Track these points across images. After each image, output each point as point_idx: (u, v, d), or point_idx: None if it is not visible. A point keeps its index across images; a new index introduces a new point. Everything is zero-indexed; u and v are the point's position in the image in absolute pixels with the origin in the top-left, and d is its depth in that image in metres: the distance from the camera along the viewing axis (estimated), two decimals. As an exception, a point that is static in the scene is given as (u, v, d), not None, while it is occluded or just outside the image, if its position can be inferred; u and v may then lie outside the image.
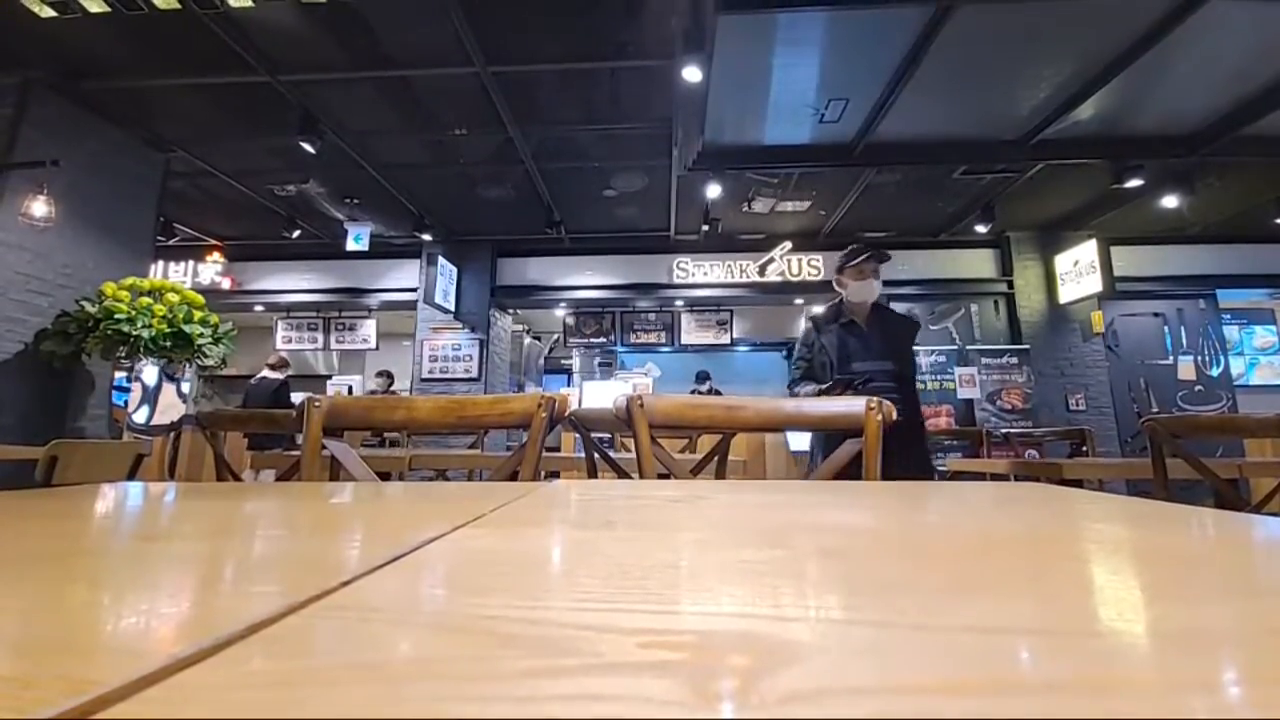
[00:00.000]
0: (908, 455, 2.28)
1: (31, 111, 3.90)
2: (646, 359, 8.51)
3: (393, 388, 6.99)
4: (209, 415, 2.48)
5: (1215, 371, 6.62)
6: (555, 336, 9.08)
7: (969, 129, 4.54)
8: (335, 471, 2.67)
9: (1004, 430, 4.99)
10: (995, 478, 3.24)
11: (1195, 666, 0.20)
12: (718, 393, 7.36)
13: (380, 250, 6.89)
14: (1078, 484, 2.14)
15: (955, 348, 6.62)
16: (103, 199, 4.34)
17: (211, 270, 7.21)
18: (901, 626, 0.24)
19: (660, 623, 0.25)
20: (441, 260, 6.75)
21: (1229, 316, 7.31)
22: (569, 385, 8.92)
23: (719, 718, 0.16)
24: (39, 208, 3.74)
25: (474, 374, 7.02)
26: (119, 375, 4.46)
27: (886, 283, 2.89)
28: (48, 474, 1.88)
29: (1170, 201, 5.54)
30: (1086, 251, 6.21)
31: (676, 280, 7.19)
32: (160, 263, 6.80)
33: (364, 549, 0.45)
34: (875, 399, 1.29)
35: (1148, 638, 0.24)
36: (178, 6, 3.38)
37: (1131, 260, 6.67)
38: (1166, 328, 6.74)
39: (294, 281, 7.47)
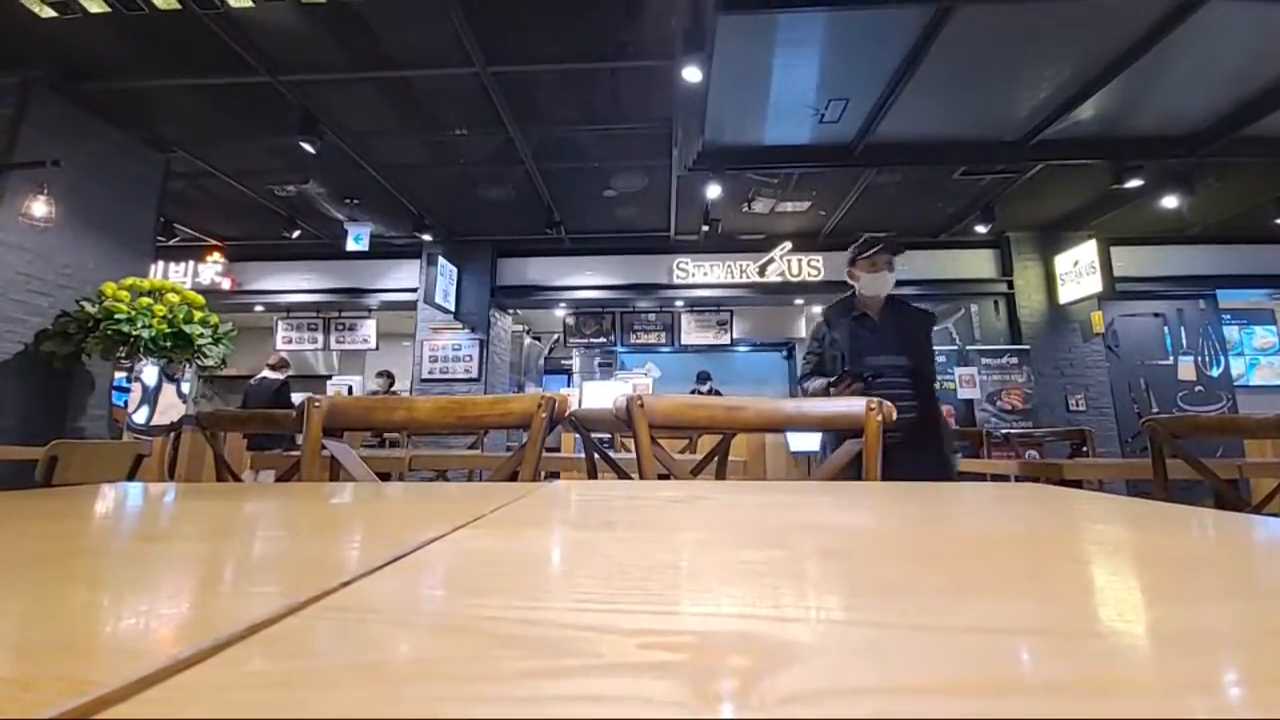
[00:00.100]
0: (922, 456, 2.21)
1: (32, 112, 3.90)
2: (646, 359, 8.52)
3: (393, 388, 6.99)
4: (209, 416, 2.48)
5: (1215, 372, 6.62)
6: (555, 337, 9.08)
7: (969, 129, 4.55)
8: (335, 472, 2.68)
9: (1004, 431, 4.99)
10: (996, 478, 3.24)
11: (1195, 667, 0.20)
12: (718, 393, 7.36)
13: (380, 250, 6.90)
14: (1078, 484, 2.14)
15: (955, 348, 6.62)
16: (103, 199, 4.34)
17: (211, 270, 7.21)
18: (901, 627, 0.24)
19: (660, 623, 0.25)
20: (441, 260, 6.76)
21: (1229, 317, 7.32)
22: (569, 385, 8.93)
23: (719, 718, 0.16)
24: (39, 208, 3.75)
25: (474, 374, 7.02)
26: (119, 375, 4.46)
27: (887, 283, 2.88)
28: (48, 474, 1.89)
29: (1170, 202, 5.54)
30: (1086, 252, 6.21)
31: (676, 280, 7.19)
32: (160, 263, 6.80)
33: (364, 550, 0.45)
34: (876, 399, 1.28)
35: (1148, 639, 0.24)
36: (178, 7, 3.38)
37: (1131, 260, 6.67)
38: (1166, 328, 6.74)
39: (294, 282, 7.48)
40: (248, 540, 0.51)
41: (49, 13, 3.43)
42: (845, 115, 4.28)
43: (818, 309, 8.18)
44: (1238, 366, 7.27)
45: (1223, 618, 0.27)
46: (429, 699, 0.17)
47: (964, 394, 6.19)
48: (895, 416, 2.11)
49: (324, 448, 1.28)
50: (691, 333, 7.47)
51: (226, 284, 7.32)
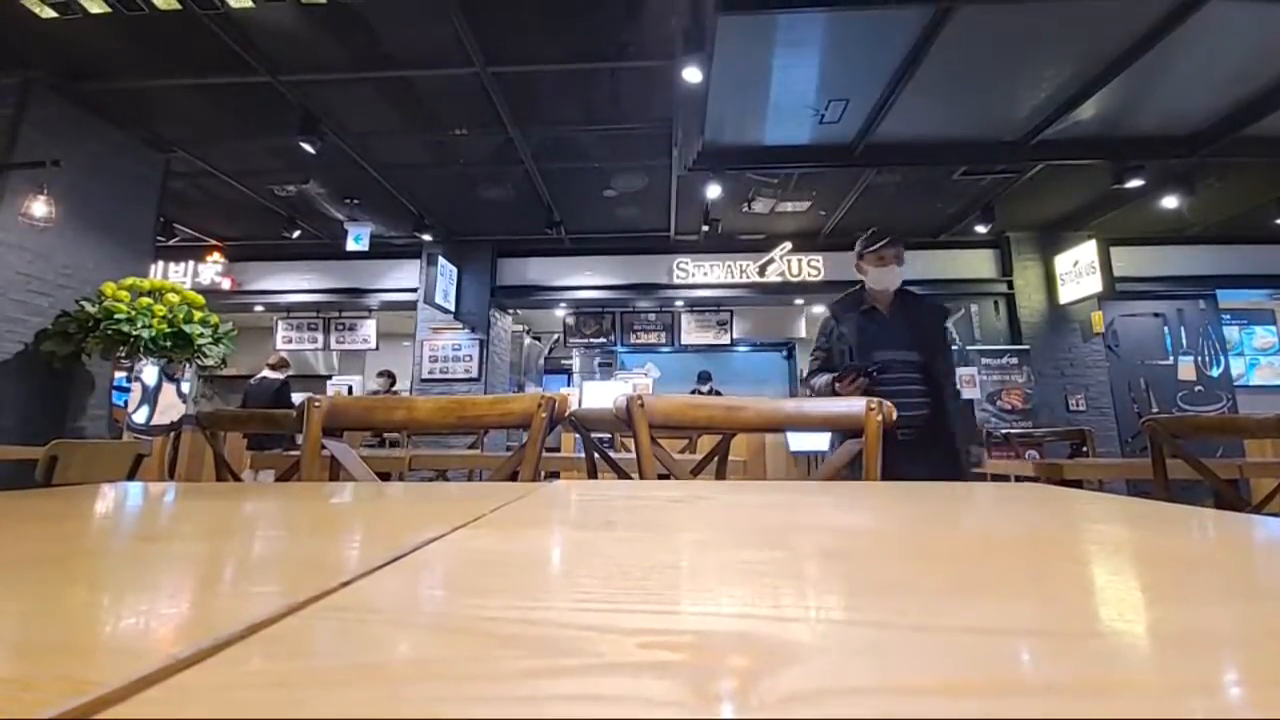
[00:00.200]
0: (934, 455, 2.14)
1: (32, 112, 3.90)
2: (646, 359, 8.52)
3: (394, 388, 6.99)
4: (209, 415, 2.48)
5: (1215, 372, 6.62)
6: (555, 337, 9.08)
7: (969, 130, 4.55)
8: (335, 472, 2.68)
9: (1004, 431, 4.98)
10: (996, 478, 3.24)
11: (1195, 668, 0.20)
12: (718, 393, 7.36)
13: (380, 250, 6.90)
14: (1078, 484, 2.14)
15: (955, 348, 6.62)
16: (103, 199, 4.34)
17: (211, 270, 7.21)
18: (901, 627, 0.24)
19: (660, 623, 0.25)
20: (441, 260, 6.76)
21: (1229, 317, 7.32)
22: (569, 385, 8.92)
23: (719, 718, 0.16)
24: (39, 208, 3.75)
25: (474, 374, 7.02)
26: (119, 375, 4.46)
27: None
28: (48, 474, 1.89)
29: (1170, 202, 5.54)
30: (1086, 252, 6.21)
31: (676, 280, 7.19)
32: (160, 263, 6.80)
33: (363, 549, 0.45)
34: (876, 400, 1.28)
35: (1148, 639, 0.24)
36: (178, 7, 3.38)
37: (1131, 261, 6.67)
38: (1166, 328, 6.74)
39: (294, 282, 7.48)
40: (247, 540, 0.51)
41: (49, 13, 3.43)
42: (845, 115, 4.28)
43: (818, 309, 8.20)
44: (1238, 366, 7.28)
45: (1223, 618, 0.27)
46: (429, 699, 0.17)
47: (964, 394, 6.19)
48: (904, 414, 2.08)
49: (324, 448, 1.28)
50: (691, 333, 7.47)
51: (226, 284, 7.32)
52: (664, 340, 7.52)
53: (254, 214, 6.30)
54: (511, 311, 7.91)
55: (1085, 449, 3.54)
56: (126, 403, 4.36)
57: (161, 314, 3.95)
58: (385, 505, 0.74)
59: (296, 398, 5.80)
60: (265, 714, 0.16)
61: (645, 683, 0.18)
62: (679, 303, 7.42)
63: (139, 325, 3.83)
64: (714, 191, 5.50)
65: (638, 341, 7.58)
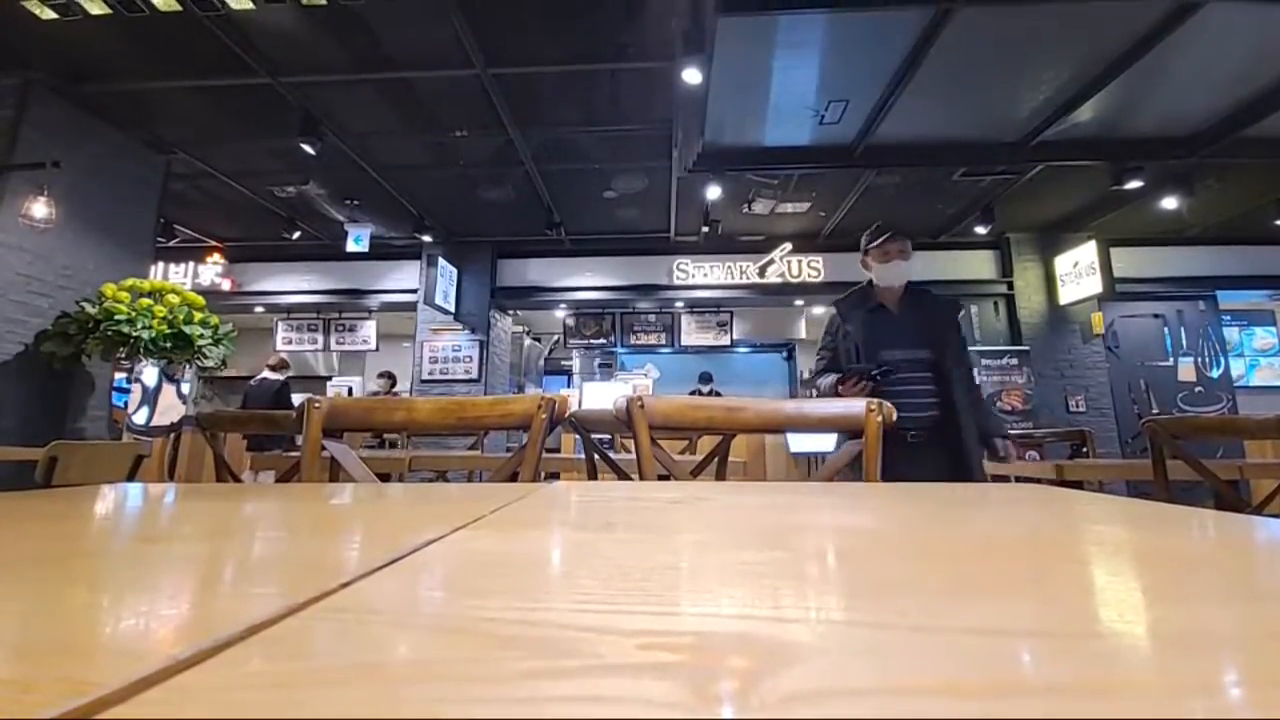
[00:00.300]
0: (945, 456, 2.07)
1: (32, 113, 3.91)
2: (646, 360, 8.52)
3: (395, 389, 6.99)
4: (209, 416, 2.48)
5: (1215, 373, 6.62)
6: (555, 338, 9.09)
7: (969, 131, 4.55)
8: (335, 473, 2.68)
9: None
10: (996, 478, 3.24)
11: (1196, 669, 0.20)
12: (719, 394, 7.36)
13: (380, 251, 6.90)
14: (1078, 485, 2.13)
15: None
16: (103, 200, 4.34)
17: (212, 271, 7.21)
18: (901, 628, 0.24)
19: (660, 624, 0.25)
20: (442, 261, 6.76)
21: (1229, 318, 7.32)
22: (569, 386, 8.93)
23: (719, 719, 0.16)
24: (39, 209, 3.75)
25: (474, 375, 7.02)
26: (119, 376, 4.46)
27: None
28: (48, 475, 1.89)
29: (1170, 203, 5.54)
30: (1086, 253, 6.21)
31: (676, 281, 7.20)
32: (160, 264, 6.81)
33: (363, 551, 0.45)
34: (876, 400, 1.28)
35: (1148, 640, 0.24)
36: (178, 9, 3.38)
37: (1131, 261, 6.67)
38: (1166, 329, 6.74)
39: (294, 283, 7.48)
40: (247, 541, 0.51)
41: (50, 14, 3.43)
42: (845, 116, 4.28)
43: (818, 310, 8.20)
44: (1238, 367, 7.27)
45: (1223, 619, 0.27)
46: (428, 700, 0.17)
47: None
48: (913, 415, 2.03)
49: (324, 448, 1.28)
50: (691, 334, 7.48)
51: (226, 285, 7.32)
52: (664, 341, 7.53)
53: (254, 215, 6.30)
54: (511, 312, 7.91)
55: (1085, 450, 3.54)
56: (126, 404, 4.36)
57: (161, 315, 3.95)
58: (385, 506, 0.74)
59: (296, 399, 5.80)
60: (265, 714, 0.16)
61: (645, 684, 0.18)
62: (679, 304, 7.42)
63: (139, 326, 3.83)
64: (714, 192, 5.51)
65: (638, 342, 7.58)
